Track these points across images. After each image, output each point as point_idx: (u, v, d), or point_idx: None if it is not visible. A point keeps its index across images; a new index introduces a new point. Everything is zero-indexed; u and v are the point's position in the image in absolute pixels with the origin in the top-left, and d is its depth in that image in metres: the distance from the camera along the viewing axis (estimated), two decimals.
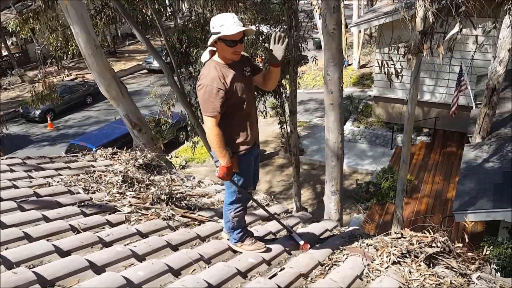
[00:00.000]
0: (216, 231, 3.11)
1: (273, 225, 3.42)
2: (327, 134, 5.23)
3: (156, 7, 9.47)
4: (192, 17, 9.28)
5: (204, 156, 14.19)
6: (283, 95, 10.06)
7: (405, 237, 3.06)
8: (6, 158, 4.11)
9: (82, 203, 3.18)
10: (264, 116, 10.74)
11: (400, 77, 6.77)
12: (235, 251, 2.83)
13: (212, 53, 2.60)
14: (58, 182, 3.62)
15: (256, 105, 2.94)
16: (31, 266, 2.12)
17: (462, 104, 11.42)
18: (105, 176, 3.89)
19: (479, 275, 2.75)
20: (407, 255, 2.79)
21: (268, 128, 15.81)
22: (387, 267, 2.67)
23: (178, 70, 8.53)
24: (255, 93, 3.18)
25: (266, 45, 2.67)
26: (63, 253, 2.32)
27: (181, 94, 8.18)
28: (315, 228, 3.58)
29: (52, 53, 10.65)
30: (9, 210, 2.82)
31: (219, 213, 3.42)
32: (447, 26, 5.52)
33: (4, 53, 25.71)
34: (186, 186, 4.24)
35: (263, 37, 8.68)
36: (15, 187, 3.31)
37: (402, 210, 8.00)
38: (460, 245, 2.99)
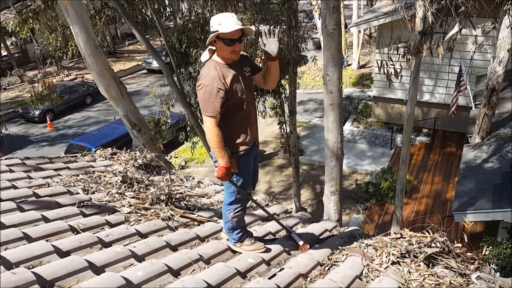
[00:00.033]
0: (216, 232, 3.11)
1: (272, 226, 3.42)
2: (327, 134, 5.24)
3: (156, 7, 9.47)
4: (192, 17, 9.27)
5: (204, 157, 14.19)
6: (283, 95, 10.06)
7: (404, 237, 3.06)
8: (6, 159, 4.11)
9: (82, 204, 3.18)
10: (264, 116, 10.74)
11: (399, 77, 6.76)
12: (234, 251, 2.83)
13: (212, 53, 2.60)
14: (57, 182, 3.62)
15: (256, 105, 2.94)
16: (31, 267, 2.12)
17: (461, 104, 11.43)
18: (104, 176, 3.89)
19: (478, 275, 2.75)
20: (407, 255, 2.79)
21: (268, 128, 15.81)
22: (387, 267, 2.67)
23: (178, 70, 8.53)
24: (255, 93, 3.18)
25: (260, 40, 2.63)
26: (63, 254, 2.32)
27: (181, 94, 8.18)
28: (314, 228, 3.59)
29: (52, 53, 10.64)
30: (9, 210, 2.82)
31: (219, 214, 3.42)
32: (446, 26, 5.52)
33: (4, 53, 25.70)
34: (186, 187, 4.24)
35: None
36: (15, 187, 3.31)
37: (402, 210, 8.00)
38: (460, 245, 3.00)
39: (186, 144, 15.18)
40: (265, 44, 2.60)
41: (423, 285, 2.50)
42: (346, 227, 4.08)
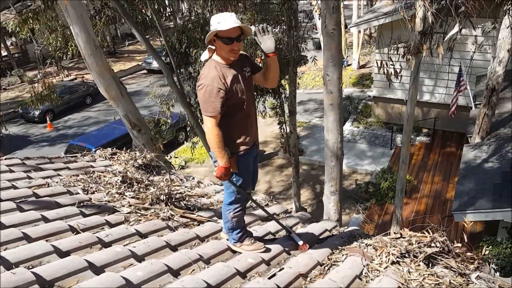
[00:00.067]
0: (215, 232, 3.11)
1: (272, 225, 3.42)
2: (327, 134, 5.23)
3: (156, 7, 9.48)
4: (192, 17, 9.27)
5: (204, 157, 14.19)
6: (283, 95, 10.06)
7: (404, 237, 3.06)
8: (6, 159, 4.11)
9: (81, 204, 3.18)
10: (264, 117, 10.75)
11: (399, 77, 6.77)
12: (234, 251, 2.83)
13: (212, 52, 2.60)
14: (57, 182, 3.62)
15: (256, 106, 2.94)
16: (30, 267, 2.12)
17: (461, 104, 11.43)
18: (104, 176, 3.89)
19: (478, 275, 2.75)
20: (406, 255, 2.79)
21: (268, 129, 15.81)
22: (386, 267, 2.67)
23: (178, 71, 8.54)
24: (255, 93, 3.18)
25: (256, 39, 2.63)
26: (62, 254, 2.32)
27: (181, 94, 8.19)
28: (314, 228, 3.59)
29: (52, 53, 10.64)
30: (8, 210, 2.82)
31: (218, 214, 3.42)
32: (446, 27, 5.52)
33: (4, 53, 25.70)
34: (186, 187, 4.24)
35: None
36: (14, 187, 3.31)
37: (401, 210, 8.00)
38: (459, 245, 3.00)
39: (186, 144, 15.18)
40: (261, 42, 2.61)
41: (422, 285, 2.50)
42: (346, 227, 4.08)
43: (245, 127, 2.68)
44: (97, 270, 2.20)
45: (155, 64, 21.84)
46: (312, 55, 11.44)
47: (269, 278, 2.42)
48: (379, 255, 2.82)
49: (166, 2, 10.99)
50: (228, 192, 2.78)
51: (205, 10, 8.81)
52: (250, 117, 2.71)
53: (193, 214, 3.39)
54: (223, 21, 2.43)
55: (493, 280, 2.81)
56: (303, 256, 2.79)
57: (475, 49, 10.35)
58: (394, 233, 3.19)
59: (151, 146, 5.82)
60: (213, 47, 2.56)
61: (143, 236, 2.81)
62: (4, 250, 2.25)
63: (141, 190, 3.65)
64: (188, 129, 14.30)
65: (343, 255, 2.88)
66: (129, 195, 3.52)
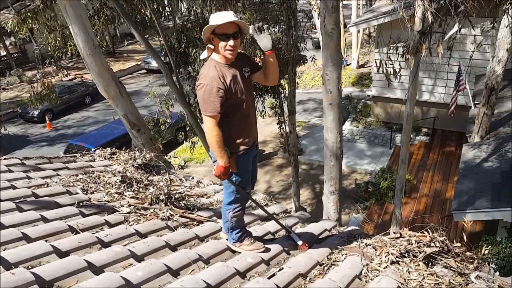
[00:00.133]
0: (215, 231, 3.11)
1: (271, 225, 3.42)
2: (326, 134, 5.24)
3: (155, 7, 9.46)
4: (191, 17, 9.27)
5: (203, 156, 14.19)
6: (282, 95, 10.07)
7: (403, 237, 3.06)
8: (5, 159, 4.10)
9: (81, 204, 3.18)
10: (263, 116, 10.75)
11: (398, 77, 6.76)
12: (234, 251, 2.83)
13: (211, 51, 2.60)
14: (56, 182, 3.61)
15: (255, 105, 2.94)
16: (30, 267, 2.12)
17: (460, 103, 11.43)
18: (103, 176, 3.89)
19: (477, 275, 2.75)
20: (406, 255, 2.79)
21: (267, 128, 15.81)
22: (386, 267, 2.67)
23: (177, 70, 8.54)
24: (254, 93, 3.18)
25: (254, 35, 2.64)
26: (62, 254, 2.31)
27: (180, 94, 8.19)
28: (314, 228, 3.59)
29: (51, 53, 10.63)
30: (8, 210, 2.81)
31: (218, 213, 3.42)
32: (445, 26, 5.52)
33: (3, 53, 25.66)
34: (185, 186, 4.24)
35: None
36: (14, 187, 3.31)
37: (401, 209, 8.00)
38: (459, 244, 3.00)
39: (185, 144, 15.18)
40: (258, 41, 2.62)
41: (422, 285, 2.51)
42: (346, 227, 4.08)
43: (244, 127, 2.68)
44: (97, 270, 2.20)
45: (154, 64, 21.84)
46: (311, 54, 11.42)
47: (269, 278, 2.42)
48: (378, 255, 2.82)
49: (165, 1, 10.99)
50: (227, 192, 2.78)
51: (204, 10, 8.80)
52: (249, 117, 2.71)
53: (193, 214, 3.39)
54: (220, 17, 2.44)
55: (492, 280, 2.81)
56: (303, 256, 2.79)
57: (474, 48, 10.34)
58: (394, 232, 3.19)
59: (150, 146, 5.82)
60: (212, 46, 2.56)
61: (143, 236, 2.81)
62: (4, 250, 2.25)
63: (140, 190, 3.65)
64: (187, 128, 14.27)
65: (342, 255, 2.88)
66: (129, 195, 3.52)
